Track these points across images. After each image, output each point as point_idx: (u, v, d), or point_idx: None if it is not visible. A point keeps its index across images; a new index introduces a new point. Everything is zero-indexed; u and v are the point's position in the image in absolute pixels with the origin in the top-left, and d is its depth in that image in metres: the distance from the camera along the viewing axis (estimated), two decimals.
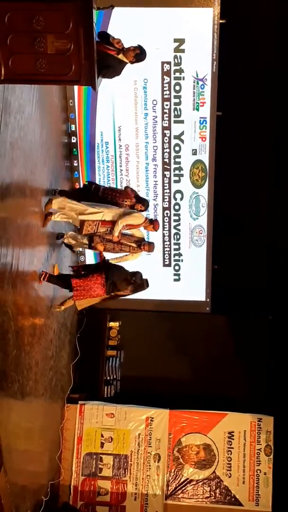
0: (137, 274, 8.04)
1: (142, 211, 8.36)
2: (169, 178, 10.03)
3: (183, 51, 9.29)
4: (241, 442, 9.86)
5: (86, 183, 9.06)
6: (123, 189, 8.74)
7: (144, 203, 8.41)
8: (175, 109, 9.60)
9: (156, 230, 8.53)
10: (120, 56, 7.01)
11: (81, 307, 8.28)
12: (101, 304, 8.40)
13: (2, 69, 4.58)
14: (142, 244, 8.28)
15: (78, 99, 9.51)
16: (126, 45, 7.07)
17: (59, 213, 7.81)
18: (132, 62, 7.10)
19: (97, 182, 9.70)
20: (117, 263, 8.28)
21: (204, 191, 10.11)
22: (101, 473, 9.74)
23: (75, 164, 9.92)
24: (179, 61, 9.34)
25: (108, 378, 10.45)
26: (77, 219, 7.95)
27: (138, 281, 8.03)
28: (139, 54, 7.06)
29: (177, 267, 10.56)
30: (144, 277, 8.12)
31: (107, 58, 6.74)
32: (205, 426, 9.91)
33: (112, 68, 6.83)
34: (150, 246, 8.35)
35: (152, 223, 8.32)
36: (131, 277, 7.95)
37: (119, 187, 9.76)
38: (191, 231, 10.34)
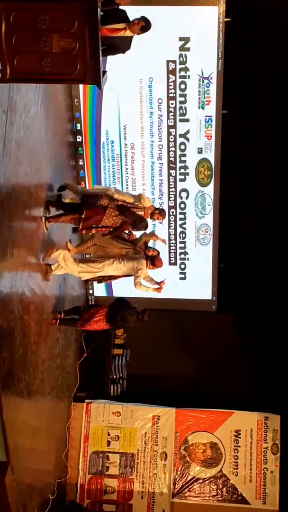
0: (145, 312, 7.89)
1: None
2: (175, 177, 10.02)
3: (188, 49, 9.29)
4: (248, 440, 9.86)
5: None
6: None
7: (142, 227, 8.09)
8: (181, 107, 9.60)
9: (158, 267, 8.12)
10: (126, 33, 6.95)
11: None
12: None
13: (8, 68, 4.59)
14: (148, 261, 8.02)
15: (84, 98, 9.52)
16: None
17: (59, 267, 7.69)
18: (138, 34, 7.01)
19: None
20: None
21: (209, 190, 10.11)
22: (108, 471, 9.75)
23: (81, 163, 9.93)
24: (184, 60, 9.33)
25: (115, 376, 10.47)
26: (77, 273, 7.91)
27: (146, 318, 7.89)
28: (144, 26, 6.97)
29: (183, 266, 10.57)
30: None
31: (113, 40, 6.70)
32: (211, 425, 9.91)
33: (119, 49, 6.80)
34: (158, 261, 8.04)
35: (153, 264, 7.96)
36: (137, 314, 7.83)
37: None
38: (197, 229, 10.34)
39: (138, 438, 9.83)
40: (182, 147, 9.84)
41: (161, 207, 8.35)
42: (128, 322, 7.88)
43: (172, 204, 10.19)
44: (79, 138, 9.79)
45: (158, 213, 8.05)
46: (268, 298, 10.46)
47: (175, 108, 9.60)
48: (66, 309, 8.26)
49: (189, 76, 9.44)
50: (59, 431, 9.02)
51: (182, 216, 10.26)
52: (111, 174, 10.00)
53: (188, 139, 9.81)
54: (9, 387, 5.91)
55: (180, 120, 9.69)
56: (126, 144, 9.84)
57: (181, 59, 9.34)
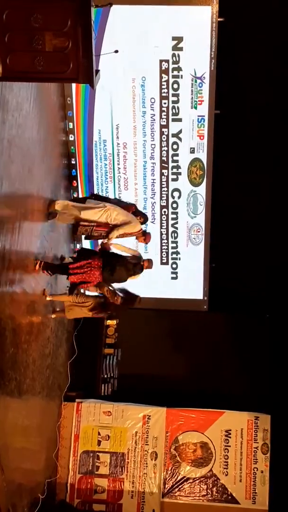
0: (137, 265, 8.19)
1: (141, 223, 8.54)
2: (167, 176, 10.02)
3: (181, 49, 9.28)
4: (238, 440, 9.88)
5: (89, 195, 9.23)
6: (124, 205, 8.76)
7: (143, 215, 8.65)
8: (173, 107, 9.60)
9: (146, 243, 8.74)
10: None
11: (72, 316, 8.44)
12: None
13: (0, 66, 4.57)
14: (141, 262, 8.36)
15: (76, 97, 9.50)
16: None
17: (62, 215, 7.88)
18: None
19: (95, 190, 9.88)
20: None
21: (202, 190, 10.11)
22: (98, 471, 9.74)
23: (73, 162, 9.91)
24: (177, 59, 9.33)
25: (105, 376, 10.46)
26: (79, 216, 8.03)
27: (138, 271, 8.17)
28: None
29: (174, 265, 10.57)
30: (138, 294, 8.24)
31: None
32: (202, 424, 9.92)
33: None
34: (149, 263, 8.41)
35: (144, 235, 8.49)
36: (132, 266, 8.10)
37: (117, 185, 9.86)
38: (188, 229, 10.34)
39: (128, 437, 9.82)
40: (175, 146, 9.84)
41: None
42: (120, 270, 7.94)
43: (164, 204, 10.19)
44: (71, 137, 9.77)
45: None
46: (259, 298, 10.48)
47: (167, 107, 9.60)
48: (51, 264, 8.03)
49: (181, 76, 9.43)
50: (50, 431, 9.01)
51: (174, 216, 10.26)
52: (103, 173, 9.99)
53: (180, 139, 9.81)
54: None
55: (173, 120, 9.68)
56: (118, 143, 9.83)
57: (174, 59, 9.33)
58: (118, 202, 8.74)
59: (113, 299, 7.99)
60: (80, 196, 9.92)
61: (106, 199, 8.76)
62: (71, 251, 9.85)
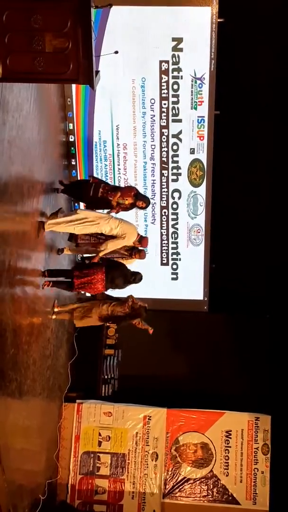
0: (137, 274, 8.26)
1: (143, 208, 8.46)
2: (167, 177, 10.03)
3: (181, 50, 9.30)
4: (239, 441, 9.87)
5: (88, 177, 9.10)
6: (124, 187, 8.77)
7: (145, 200, 8.47)
8: (173, 108, 9.60)
9: (144, 247, 8.54)
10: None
11: (80, 325, 8.58)
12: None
13: (0, 67, 4.58)
14: (134, 253, 8.37)
15: (76, 97, 9.51)
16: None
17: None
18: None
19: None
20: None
21: (202, 190, 10.12)
22: (99, 471, 9.73)
23: (73, 163, 9.92)
24: (177, 60, 9.34)
25: (106, 377, 10.44)
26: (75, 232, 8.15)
27: (137, 281, 8.25)
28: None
29: (175, 266, 10.57)
30: (145, 305, 8.33)
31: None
32: (202, 425, 9.91)
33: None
34: (141, 254, 8.44)
35: (140, 241, 8.36)
36: (130, 275, 8.18)
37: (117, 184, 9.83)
38: (189, 230, 10.35)
39: (129, 438, 9.82)
40: (175, 147, 9.85)
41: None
42: (118, 280, 8.12)
43: (164, 205, 10.19)
44: (71, 138, 9.77)
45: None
46: (259, 299, 10.48)
47: (167, 108, 9.61)
48: (55, 270, 8.12)
49: (181, 77, 9.45)
50: (50, 432, 9.00)
51: (174, 217, 10.27)
52: (103, 174, 9.99)
53: (180, 140, 9.81)
54: (0, 387, 5.89)
55: (173, 121, 9.69)
56: (118, 144, 9.84)
57: (174, 60, 9.35)
58: (116, 187, 8.60)
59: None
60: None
61: (104, 183, 8.57)
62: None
